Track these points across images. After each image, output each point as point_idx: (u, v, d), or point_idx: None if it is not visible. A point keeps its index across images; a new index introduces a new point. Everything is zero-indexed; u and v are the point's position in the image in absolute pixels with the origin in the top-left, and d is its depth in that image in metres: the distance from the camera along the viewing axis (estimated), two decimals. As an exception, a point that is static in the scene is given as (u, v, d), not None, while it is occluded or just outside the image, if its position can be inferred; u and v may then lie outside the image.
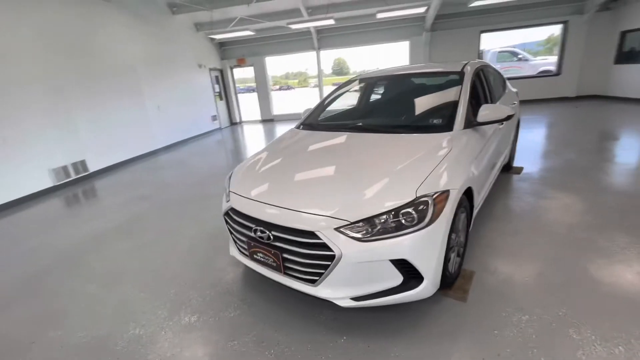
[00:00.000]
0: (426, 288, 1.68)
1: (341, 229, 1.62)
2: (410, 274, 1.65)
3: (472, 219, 2.24)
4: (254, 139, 8.67)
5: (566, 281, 2.02)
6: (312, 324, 1.90)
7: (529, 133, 5.83)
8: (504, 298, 1.93)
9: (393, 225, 1.60)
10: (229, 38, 10.23)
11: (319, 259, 1.68)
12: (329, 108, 3.25)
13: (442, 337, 1.71)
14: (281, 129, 9.66)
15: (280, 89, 37.50)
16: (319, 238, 1.64)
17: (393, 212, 1.61)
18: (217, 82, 10.97)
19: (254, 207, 1.93)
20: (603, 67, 9.35)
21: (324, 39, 10.59)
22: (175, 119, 8.38)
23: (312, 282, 1.76)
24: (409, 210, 1.61)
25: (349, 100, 3.49)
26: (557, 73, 9.86)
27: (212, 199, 3.99)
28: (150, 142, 7.47)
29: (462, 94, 2.40)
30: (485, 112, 2.24)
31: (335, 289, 1.71)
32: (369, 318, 1.87)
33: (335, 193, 1.79)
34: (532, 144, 5.20)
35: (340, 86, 3.38)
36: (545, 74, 10.52)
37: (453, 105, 2.35)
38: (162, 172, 5.82)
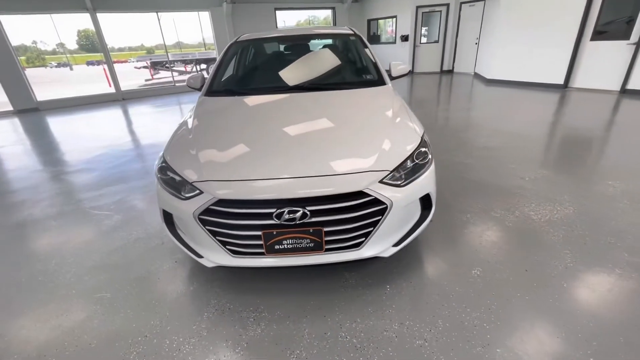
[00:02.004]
0: (433, 213, 1.96)
1: (384, 180, 1.59)
2: (425, 206, 1.87)
3: None
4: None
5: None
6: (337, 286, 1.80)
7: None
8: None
9: (415, 166, 1.73)
10: None
11: (367, 217, 1.59)
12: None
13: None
14: (69, 119, 7.00)
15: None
16: (368, 195, 1.54)
17: (415, 155, 1.73)
18: None
19: (272, 186, 1.52)
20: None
21: (98, -3, 8.15)
22: None
23: (357, 245, 1.66)
24: (422, 150, 1.78)
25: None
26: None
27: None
28: None
29: (371, 53, 2.71)
30: (400, 67, 2.66)
31: (380, 243, 1.69)
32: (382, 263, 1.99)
33: (354, 148, 1.70)
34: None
35: (230, 47, 2.93)
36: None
37: (372, 63, 2.62)
38: None
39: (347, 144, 1.73)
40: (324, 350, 1.48)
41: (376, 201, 1.57)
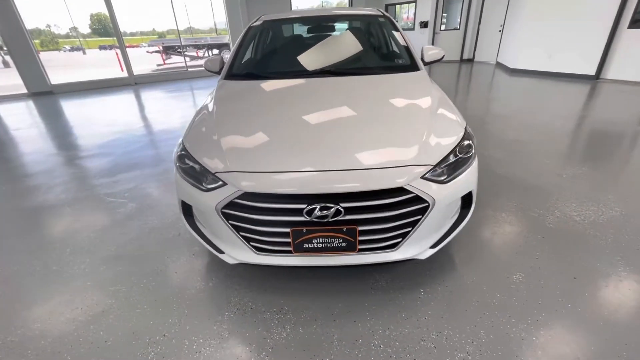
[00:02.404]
0: (471, 212, 1.79)
1: (427, 176, 1.43)
2: (464, 204, 1.70)
3: None
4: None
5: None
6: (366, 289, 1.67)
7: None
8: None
9: (458, 161, 1.56)
10: None
11: (406, 217, 1.44)
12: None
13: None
14: (83, 103, 6.95)
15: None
16: (409, 192, 1.39)
17: (457, 148, 1.56)
18: None
19: (303, 180, 1.38)
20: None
21: (111, -22, 7.98)
22: None
23: (393, 246, 1.52)
24: (465, 142, 1.61)
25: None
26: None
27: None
28: None
29: (403, 36, 2.50)
30: (432, 52, 2.45)
31: (417, 244, 1.55)
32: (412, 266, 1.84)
33: (392, 140, 1.54)
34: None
35: (250, 28, 2.75)
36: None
37: (404, 47, 2.41)
38: None
39: (384, 135, 1.57)
40: (355, 359, 1.36)
41: (417, 199, 1.41)
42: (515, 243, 2.00)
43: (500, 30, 9.08)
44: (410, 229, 1.48)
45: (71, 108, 6.63)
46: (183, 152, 1.64)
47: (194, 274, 1.86)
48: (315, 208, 1.35)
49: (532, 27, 7.43)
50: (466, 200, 1.63)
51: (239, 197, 1.41)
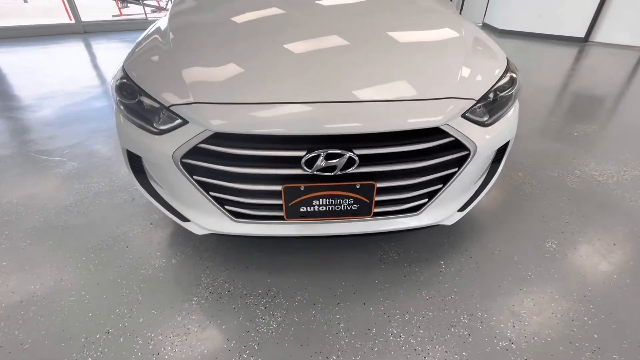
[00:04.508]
0: (501, 167, 1.45)
1: (467, 114, 1.06)
2: (495, 160, 1.36)
3: None
4: None
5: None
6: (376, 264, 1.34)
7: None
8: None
9: (500, 99, 1.19)
10: None
11: (438, 169, 1.08)
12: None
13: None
14: (18, 50, 5.86)
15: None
16: (446, 135, 1.01)
17: (500, 83, 1.18)
18: None
19: (300, 115, 0.95)
20: None
21: None
22: None
23: (416, 209, 1.16)
24: (510, 75, 1.23)
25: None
26: None
27: None
28: None
29: None
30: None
31: (444, 207, 1.20)
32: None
33: (421, 66, 1.13)
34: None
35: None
36: None
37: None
38: None
39: (409, 62, 1.15)
40: (370, 356, 1.03)
41: (455, 145, 1.04)
42: (539, 206, 1.72)
43: (488, -11, 8.59)
44: (440, 185, 1.12)
45: (6, 55, 5.58)
46: (125, 81, 1.15)
47: (152, 249, 1.44)
48: (318, 156, 0.95)
49: (523, -15, 7.01)
50: (499, 152, 1.29)
51: (206, 141, 0.97)
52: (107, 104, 3.20)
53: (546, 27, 6.93)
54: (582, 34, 6.44)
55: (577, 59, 5.29)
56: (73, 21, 7.77)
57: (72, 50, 5.97)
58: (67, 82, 3.94)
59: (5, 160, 2.15)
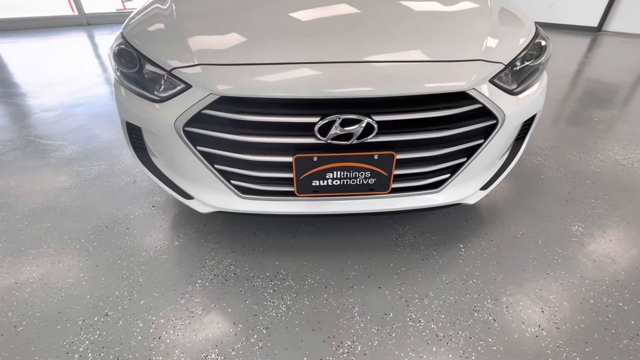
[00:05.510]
0: (526, 143, 1.35)
1: (495, 80, 0.96)
2: (519, 135, 1.27)
3: None
4: None
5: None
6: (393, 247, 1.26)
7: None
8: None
9: (529, 68, 1.10)
10: None
11: (464, 139, 0.99)
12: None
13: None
14: (20, 41, 5.82)
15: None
16: (474, 101, 0.92)
17: (529, 49, 1.09)
18: None
19: (313, 78, 0.87)
20: None
21: None
22: None
23: (436, 185, 1.08)
24: (539, 42, 1.13)
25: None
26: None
27: None
28: None
29: None
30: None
31: (466, 184, 1.12)
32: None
33: (443, 27, 1.04)
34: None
35: None
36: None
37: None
38: None
39: (432, 24, 1.06)
40: (388, 341, 0.95)
41: (482, 112, 0.95)
42: (563, 189, 1.63)
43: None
44: (465, 159, 1.03)
45: (7, 46, 5.54)
46: (123, 47, 1.07)
47: (154, 231, 1.37)
48: (332, 123, 0.86)
49: (534, -27, 6.82)
50: (523, 127, 1.20)
51: (210, 107, 0.89)
52: (108, 91, 3.13)
53: (558, 17, 6.75)
54: (595, 24, 6.25)
55: (591, 47, 5.12)
56: (76, 13, 7.72)
57: (75, 41, 5.92)
58: (68, 70, 3.88)
59: (4, 144, 2.09)
